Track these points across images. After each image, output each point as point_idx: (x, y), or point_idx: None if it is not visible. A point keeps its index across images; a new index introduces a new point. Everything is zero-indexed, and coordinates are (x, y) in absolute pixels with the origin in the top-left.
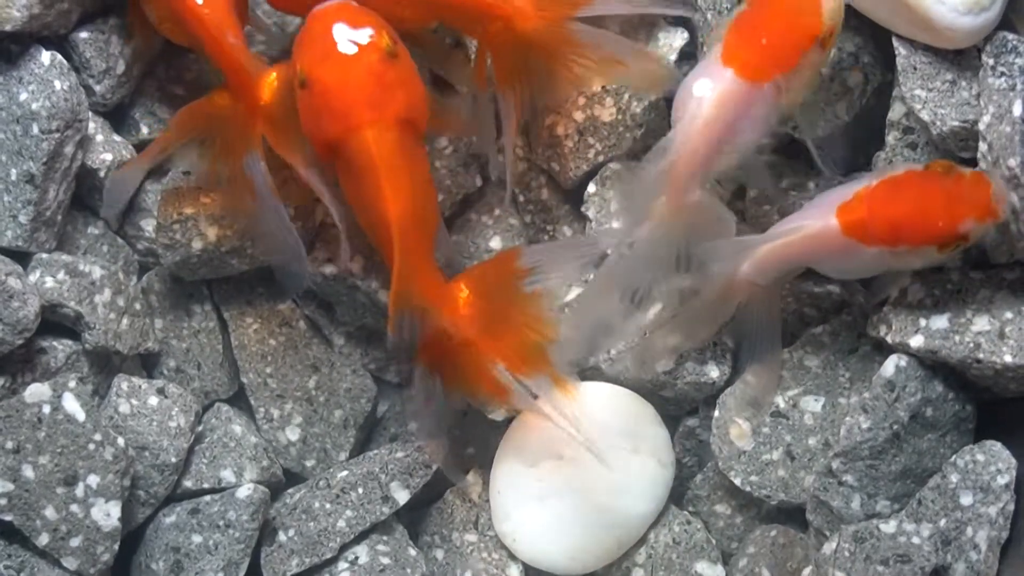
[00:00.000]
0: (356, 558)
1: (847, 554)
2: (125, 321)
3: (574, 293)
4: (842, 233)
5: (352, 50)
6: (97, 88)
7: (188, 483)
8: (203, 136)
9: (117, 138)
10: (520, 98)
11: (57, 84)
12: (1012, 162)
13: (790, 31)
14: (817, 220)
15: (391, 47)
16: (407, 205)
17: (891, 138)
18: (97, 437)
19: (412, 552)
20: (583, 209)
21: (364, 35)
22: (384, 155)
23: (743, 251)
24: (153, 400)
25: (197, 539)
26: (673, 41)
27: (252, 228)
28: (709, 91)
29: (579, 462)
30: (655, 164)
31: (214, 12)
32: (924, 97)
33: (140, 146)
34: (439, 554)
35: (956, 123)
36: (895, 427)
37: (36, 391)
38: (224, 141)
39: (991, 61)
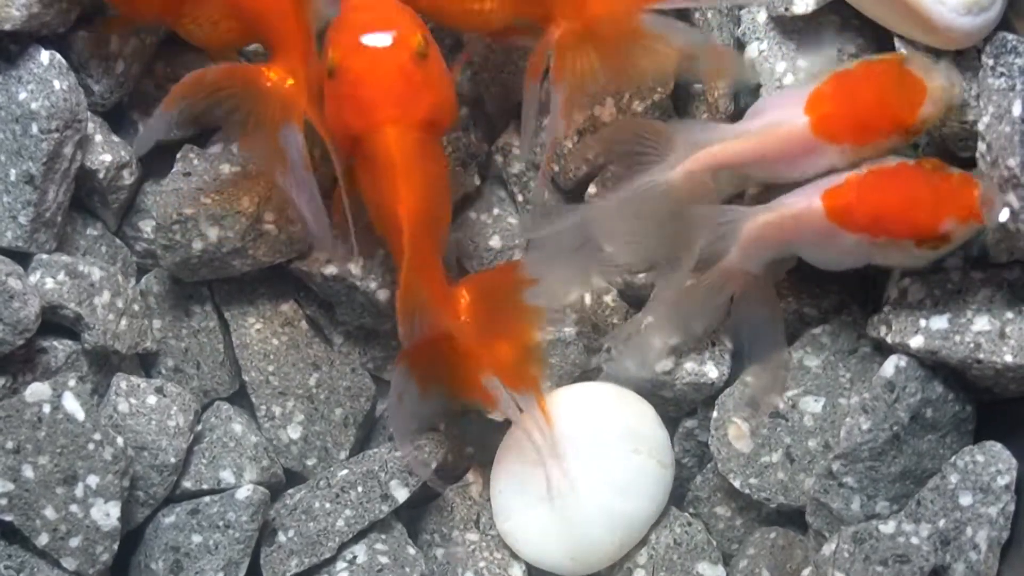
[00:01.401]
0: (354, 557)
1: (846, 555)
2: (124, 322)
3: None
4: (825, 216)
5: (383, 46)
6: (96, 88)
7: (187, 484)
8: (239, 97)
9: (116, 139)
10: (571, 93)
11: (56, 84)
12: (1012, 162)
13: (881, 113)
14: (802, 200)
15: (423, 47)
16: (420, 206)
17: None
18: (97, 437)
19: (411, 551)
20: None
21: (396, 32)
22: (403, 154)
23: (732, 219)
24: (152, 399)
25: (197, 539)
26: None
27: (280, 196)
28: (777, 126)
29: (580, 463)
30: (698, 134)
31: None
32: None
33: None
34: (439, 553)
35: (955, 123)
36: (895, 428)
37: (36, 391)
38: (263, 109)
39: (991, 61)
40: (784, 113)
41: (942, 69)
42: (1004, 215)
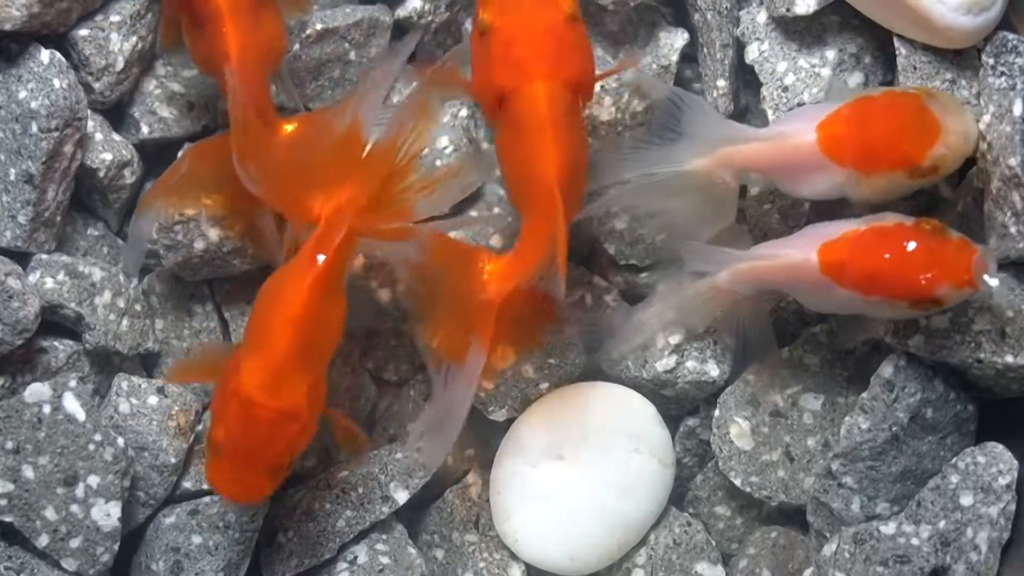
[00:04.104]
0: (355, 558)
1: (847, 555)
2: (125, 322)
3: None
4: (819, 270)
5: (538, 6)
6: (96, 85)
7: (188, 484)
8: (215, 177)
9: (116, 137)
10: None
11: (56, 82)
12: (1012, 161)
13: (889, 145)
14: (798, 251)
15: (574, 11)
16: (568, 164)
17: None
18: (97, 437)
19: (412, 551)
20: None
21: None
22: (553, 111)
23: (721, 262)
24: (153, 399)
25: (197, 540)
26: (674, 41)
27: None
28: (787, 137)
29: (580, 462)
30: (717, 131)
31: (245, 80)
32: None
33: (140, 146)
34: (439, 554)
35: None
36: (894, 428)
37: (36, 391)
38: (236, 188)
39: (991, 61)
40: (798, 126)
41: (966, 115)
42: (994, 282)
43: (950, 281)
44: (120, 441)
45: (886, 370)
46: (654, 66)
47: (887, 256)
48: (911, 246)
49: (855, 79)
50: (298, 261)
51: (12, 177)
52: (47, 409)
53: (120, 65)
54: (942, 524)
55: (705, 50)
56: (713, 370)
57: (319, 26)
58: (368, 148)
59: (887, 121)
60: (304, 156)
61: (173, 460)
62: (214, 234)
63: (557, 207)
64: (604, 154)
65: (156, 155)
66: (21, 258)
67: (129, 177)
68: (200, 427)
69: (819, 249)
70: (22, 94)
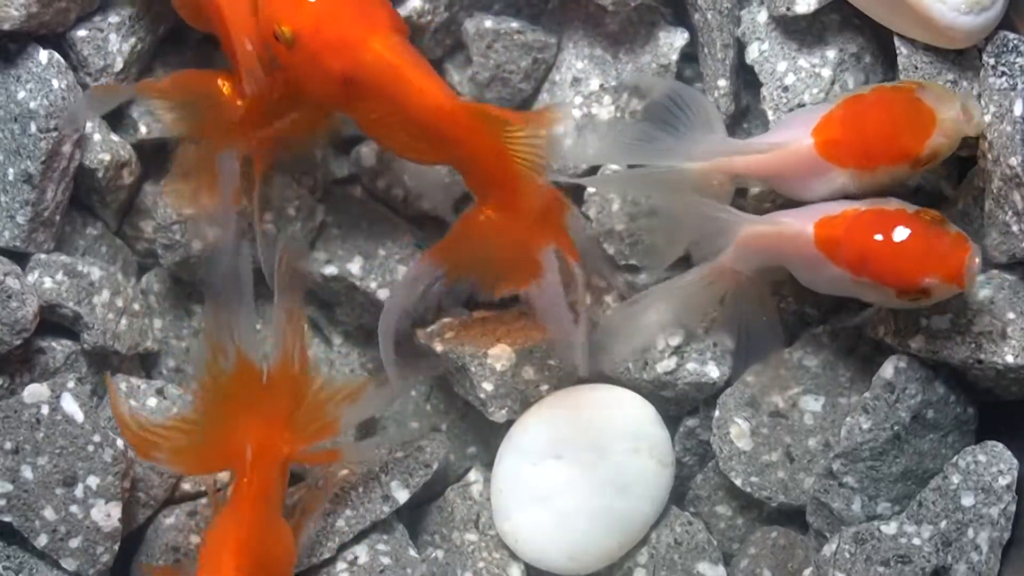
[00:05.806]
0: (355, 558)
1: (847, 555)
2: (124, 321)
3: None
4: (814, 244)
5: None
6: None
7: (186, 486)
8: (194, 107)
9: (115, 137)
10: None
11: (55, 83)
12: (1013, 161)
13: (887, 142)
14: (796, 222)
15: None
16: (447, 91)
17: None
18: (96, 438)
19: (412, 552)
20: (583, 209)
21: None
22: (401, 55)
23: (729, 223)
24: (152, 401)
25: (196, 540)
26: (674, 41)
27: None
28: (784, 146)
29: (580, 463)
30: (714, 145)
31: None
32: None
33: (138, 145)
34: (439, 554)
35: None
36: (896, 428)
37: (35, 391)
38: (210, 127)
39: (992, 61)
40: (793, 133)
41: (957, 100)
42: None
43: (939, 274)
44: (119, 442)
45: (887, 371)
46: (654, 65)
47: (880, 238)
48: (906, 233)
49: (856, 79)
50: (228, 505)
51: (11, 177)
52: (45, 410)
53: (119, 66)
54: (943, 524)
55: (705, 50)
56: (713, 371)
57: None
58: (265, 375)
59: (881, 118)
60: (211, 410)
61: None
62: (212, 234)
63: (472, 124)
64: (604, 142)
65: (154, 155)
66: (20, 258)
67: (127, 178)
68: None
69: (816, 223)
70: (21, 94)
